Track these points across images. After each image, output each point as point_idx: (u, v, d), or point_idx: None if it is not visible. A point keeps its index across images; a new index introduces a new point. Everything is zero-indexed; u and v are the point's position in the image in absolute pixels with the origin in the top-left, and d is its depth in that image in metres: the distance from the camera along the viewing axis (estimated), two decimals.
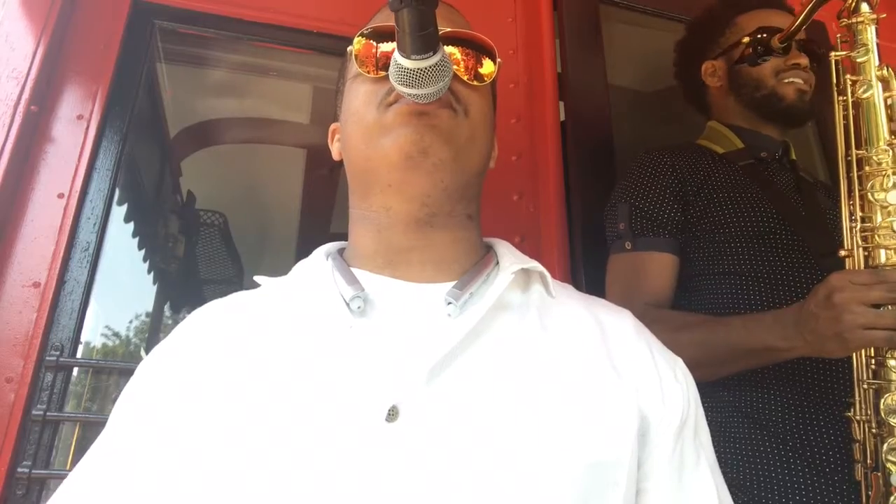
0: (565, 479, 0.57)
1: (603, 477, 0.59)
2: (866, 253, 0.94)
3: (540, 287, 0.72)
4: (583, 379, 0.63)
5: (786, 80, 1.26)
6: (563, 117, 1.58)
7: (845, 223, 0.98)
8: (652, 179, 1.24)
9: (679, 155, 1.28)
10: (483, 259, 0.74)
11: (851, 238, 0.96)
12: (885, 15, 1.04)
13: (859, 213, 0.97)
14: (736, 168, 1.26)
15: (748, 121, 1.33)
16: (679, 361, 0.72)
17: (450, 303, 0.65)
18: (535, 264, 0.72)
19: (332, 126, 0.83)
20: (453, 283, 0.68)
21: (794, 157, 1.34)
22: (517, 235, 1.42)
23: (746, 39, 1.29)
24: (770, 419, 1.07)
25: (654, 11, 1.81)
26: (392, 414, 0.57)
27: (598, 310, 0.73)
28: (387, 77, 0.67)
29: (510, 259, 0.72)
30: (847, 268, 0.95)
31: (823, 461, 1.02)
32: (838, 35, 1.07)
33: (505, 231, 1.40)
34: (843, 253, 0.96)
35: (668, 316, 1.13)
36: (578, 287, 1.34)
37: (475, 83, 0.72)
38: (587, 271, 1.37)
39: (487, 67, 0.73)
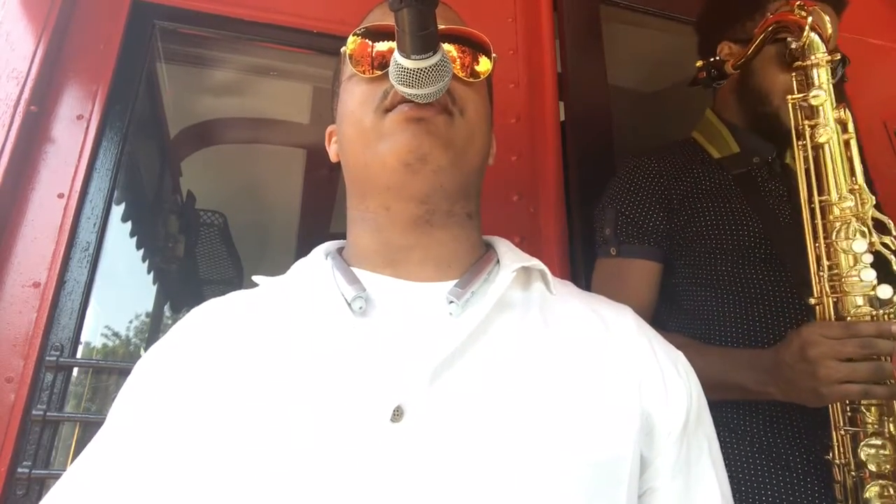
0: (569, 478, 0.57)
1: (606, 475, 0.59)
2: (835, 300, 0.94)
3: (541, 285, 0.72)
4: (585, 377, 0.63)
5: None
6: (563, 117, 1.58)
7: (813, 268, 0.97)
8: (638, 186, 1.23)
9: (667, 159, 1.26)
10: (483, 257, 0.73)
11: (820, 286, 0.96)
12: (839, 56, 1.02)
13: (826, 262, 0.96)
14: (727, 178, 1.23)
15: (744, 122, 1.28)
16: (680, 355, 0.73)
17: (451, 302, 0.65)
18: (535, 262, 0.71)
19: (329, 128, 0.83)
20: (454, 281, 0.68)
21: (788, 160, 1.28)
22: (517, 236, 1.42)
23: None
24: (741, 425, 1.08)
25: (654, 11, 1.81)
26: (397, 414, 0.57)
27: (599, 306, 0.73)
28: (383, 77, 0.66)
29: (511, 257, 0.72)
30: (817, 315, 0.95)
31: (793, 462, 1.03)
32: (793, 74, 1.05)
33: (505, 231, 1.38)
34: (812, 301, 0.96)
35: None
36: (578, 287, 1.34)
37: (472, 80, 0.71)
38: (587, 271, 1.37)
39: (484, 64, 0.73)
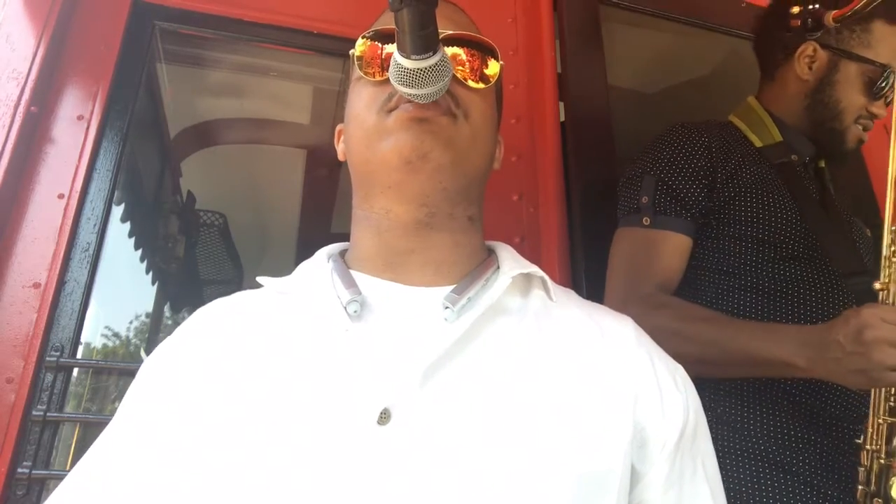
0: (555, 487, 0.56)
1: (594, 485, 0.58)
2: None
3: (541, 292, 0.72)
4: (576, 385, 0.63)
5: (858, 126, 1.21)
6: (563, 117, 1.58)
7: (885, 252, 0.92)
8: (685, 157, 1.18)
9: (716, 136, 1.21)
10: (483, 263, 0.73)
11: (889, 271, 0.90)
12: None
13: None
14: (769, 168, 1.20)
15: (795, 123, 1.26)
16: (679, 369, 0.72)
17: (447, 307, 0.65)
18: (535, 269, 0.71)
19: (338, 127, 0.83)
20: (452, 287, 0.68)
21: (822, 164, 1.29)
22: (517, 236, 1.42)
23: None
24: (751, 434, 1.05)
25: (654, 12, 1.81)
26: (384, 417, 0.57)
27: (599, 316, 0.72)
28: (389, 79, 0.67)
29: (510, 264, 0.71)
30: (880, 301, 0.91)
31: (795, 467, 1.01)
32: None
33: (505, 232, 1.39)
34: (877, 286, 0.91)
35: (677, 303, 1.09)
36: (578, 287, 1.33)
37: (480, 85, 0.71)
38: (587, 272, 1.37)
39: (492, 69, 0.73)
